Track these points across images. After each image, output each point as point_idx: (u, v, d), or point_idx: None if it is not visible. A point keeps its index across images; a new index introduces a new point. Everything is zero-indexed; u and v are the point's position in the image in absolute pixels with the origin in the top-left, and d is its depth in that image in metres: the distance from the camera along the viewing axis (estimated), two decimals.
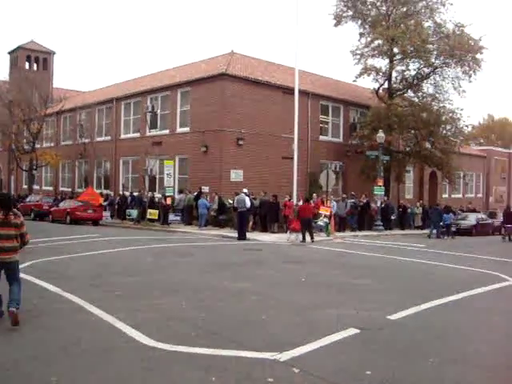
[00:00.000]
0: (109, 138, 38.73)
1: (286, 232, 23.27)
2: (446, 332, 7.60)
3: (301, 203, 23.91)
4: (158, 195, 31.12)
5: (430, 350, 6.51)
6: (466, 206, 38.45)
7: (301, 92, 28.16)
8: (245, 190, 23.21)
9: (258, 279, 11.76)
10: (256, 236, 23.12)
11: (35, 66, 57.21)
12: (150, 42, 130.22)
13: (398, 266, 15.06)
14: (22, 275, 9.07)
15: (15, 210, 8.04)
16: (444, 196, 47.18)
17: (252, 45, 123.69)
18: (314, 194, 26.43)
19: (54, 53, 58.52)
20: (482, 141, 67.13)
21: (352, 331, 7.20)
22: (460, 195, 49.67)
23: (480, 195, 55.34)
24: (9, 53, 58.01)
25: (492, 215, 37.70)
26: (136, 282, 11.10)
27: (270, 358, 6.02)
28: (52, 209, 32.51)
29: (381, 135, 29.51)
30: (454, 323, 8.15)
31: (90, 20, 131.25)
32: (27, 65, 56.52)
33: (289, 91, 29.91)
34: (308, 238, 21.35)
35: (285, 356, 6.06)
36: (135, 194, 31.59)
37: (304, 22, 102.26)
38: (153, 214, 28.09)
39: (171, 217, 27.04)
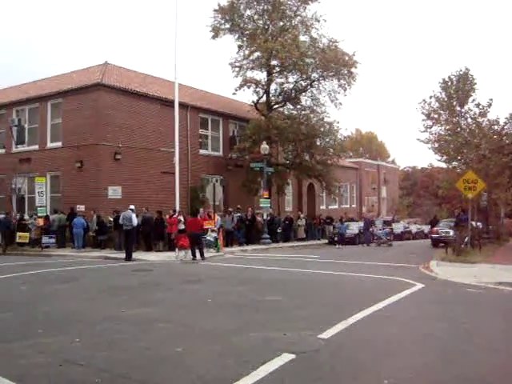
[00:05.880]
0: None
1: (174, 250, 21.94)
2: (389, 347, 6.89)
3: (181, 218, 22.65)
4: (26, 217, 28.42)
5: (381, 370, 5.72)
6: (345, 216, 39.02)
7: (180, 104, 26.98)
8: (131, 207, 21.40)
9: (158, 303, 10.35)
10: (142, 256, 21.52)
11: None
12: (12, 51, 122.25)
13: (304, 279, 14.35)
14: None
15: None
16: (322, 207, 48.06)
17: (127, 57, 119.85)
18: (201, 209, 25.32)
19: None
20: (351, 154, 69.79)
21: (287, 357, 6.11)
22: (336, 206, 50.76)
23: (354, 205, 57.17)
24: None
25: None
26: (10, 318, 9.04)
27: None
28: None
29: (265, 146, 29.15)
30: (391, 336, 7.50)
31: None
32: None
33: (167, 103, 28.94)
34: (198, 255, 20.13)
35: None
36: (1, 216, 28.51)
37: (181, 33, 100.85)
38: (23, 237, 25.24)
39: (45, 239, 24.54)
